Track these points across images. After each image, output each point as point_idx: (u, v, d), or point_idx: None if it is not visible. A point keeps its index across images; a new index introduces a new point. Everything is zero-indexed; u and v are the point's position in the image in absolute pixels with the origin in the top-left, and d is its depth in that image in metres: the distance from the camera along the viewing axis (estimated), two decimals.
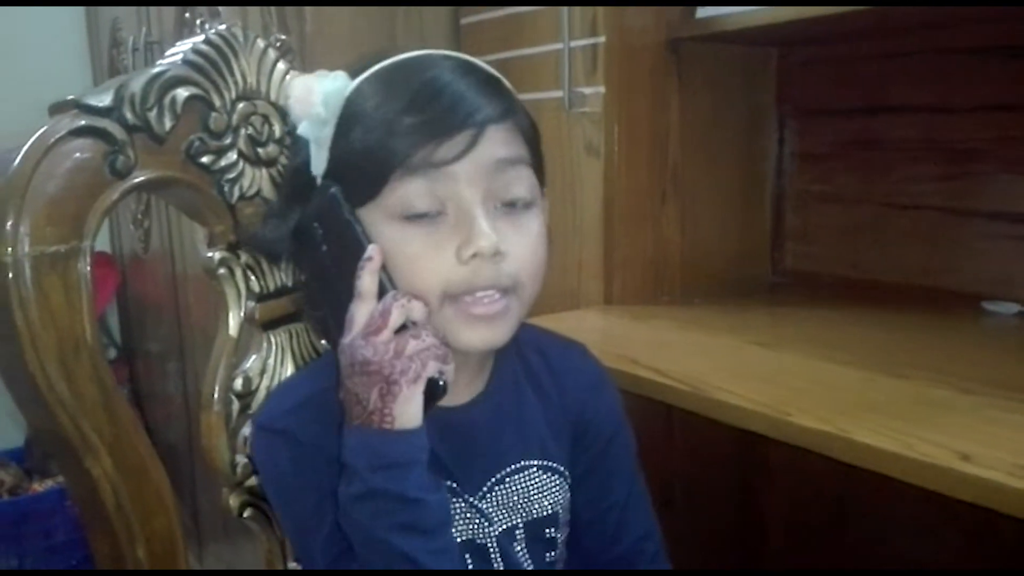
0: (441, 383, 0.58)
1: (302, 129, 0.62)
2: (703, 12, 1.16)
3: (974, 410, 0.75)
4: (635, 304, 1.20)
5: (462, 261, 0.57)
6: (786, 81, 1.38)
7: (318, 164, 0.62)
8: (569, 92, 1.16)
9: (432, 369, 0.56)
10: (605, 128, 1.15)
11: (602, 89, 1.14)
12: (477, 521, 0.66)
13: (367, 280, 0.58)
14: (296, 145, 0.65)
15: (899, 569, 1.22)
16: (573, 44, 1.15)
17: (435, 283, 0.58)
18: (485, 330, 0.60)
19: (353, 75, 0.62)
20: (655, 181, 1.22)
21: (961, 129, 1.18)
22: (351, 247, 0.58)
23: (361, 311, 0.58)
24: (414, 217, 0.58)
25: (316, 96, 0.60)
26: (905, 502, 1.13)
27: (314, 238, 0.61)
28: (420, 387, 0.56)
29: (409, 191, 0.57)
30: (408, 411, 0.56)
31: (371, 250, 0.58)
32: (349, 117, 0.60)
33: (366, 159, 0.58)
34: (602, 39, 1.13)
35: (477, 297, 0.59)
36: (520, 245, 0.60)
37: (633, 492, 0.73)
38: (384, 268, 0.58)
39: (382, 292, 0.58)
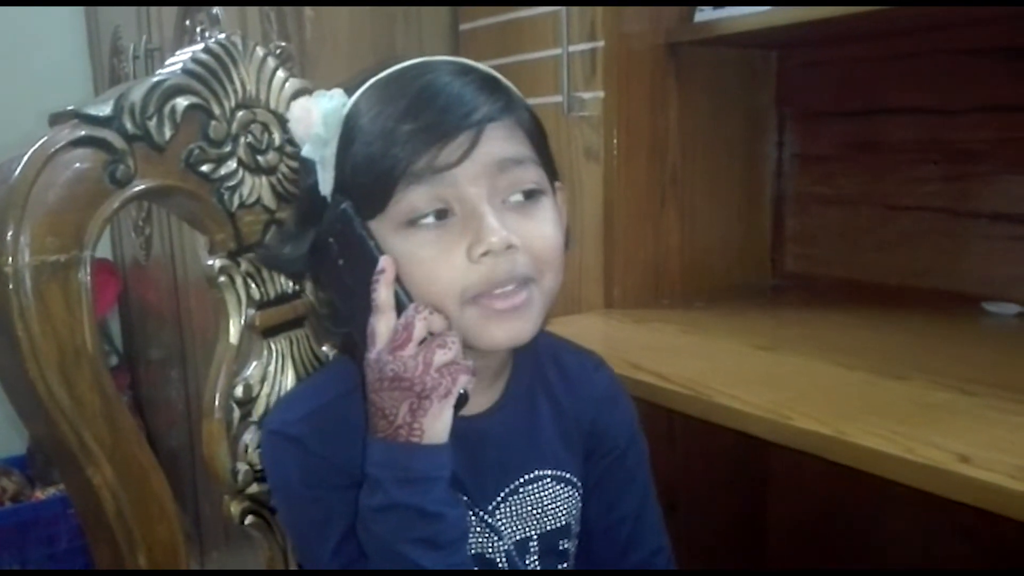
0: (462, 392, 0.57)
1: (306, 151, 0.62)
2: (701, 15, 1.16)
3: (974, 412, 0.75)
4: (635, 308, 1.20)
5: (474, 260, 0.56)
6: (786, 83, 1.38)
7: (325, 184, 0.61)
8: (568, 97, 1.16)
9: (462, 383, 0.56)
10: (604, 132, 1.15)
11: (601, 93, 1.14)
12: (486, 535, 0.66)
13: (383, 293, 0.57)
14: (304, 167, 0.64)
15: (900, 569, 1.22)
16: (572, 49, 1.16)
17: (450, 286, 0.57)
18: (510, 324, 0.59)
19: (349, 92, 0.61)
20: (655, 185, 1.23)
21: (961, 130, 1.18)
22: (365, 261, 0.58)
23: (381, 324, 0.57)
24: (422, 223, 0.58)
25: (315, 116, 0.60)
26: (906, 505, 1.13)
27: (330, 254, 0.60)
28: (450, 402, 0.56)
29: (415, 199, 0.57)
30: (437, 426, 0.56)
31: (383, 262, 0.57)
32: (349, 133, 0.59)
33: (370, 172, 0.57)
34: (601, 44, 1.13)
35: (496, 294, 0.58)
36: (534, 234, 0.59)
37: (645, 506, 0.72)
38: (398, 280, 0.58)
39: (398, 304, 0.57)
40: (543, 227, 0.60)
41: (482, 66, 0.63)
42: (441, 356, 0.55)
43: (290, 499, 0.64)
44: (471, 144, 0.56)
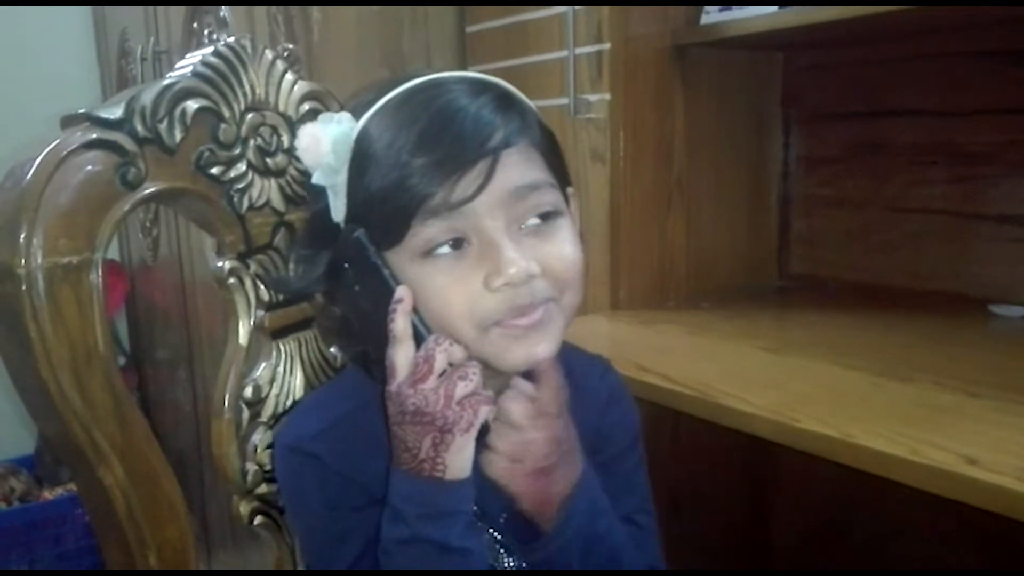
0: (483, 422, 0.57)
1: (316, 178, 0.60)
2: (707, 18, 1.16)
3: (981, 414, 0.75)
4: (642, 309, 1.20)
5: (491, 290, 0.56)
6: (792, 85, 1.38)
7: (337, 210, 0.60)
8: (574, 99, 1.17)
9: (484, 415, 0.56)
10: (610, 134, 1.15)
11: (607, 96, 1.15)
12: (496, 552, 0.65)
13: (400, 323, 0.56)
14: (313, 193, 0.63)
15: (904, 571, 1.22)
16: (578, 51, 1.16)
17: (465, 312, 0.56)
18: (531, 345, 0.58)
19: (357, 113, 0.60)
20: (661, 187, 1.23)
21: (967, 133, 1.18)
22: (381, 290, 0.58)
23: (400, 356, 0.56)
24: (438, 253, 0.57)
25: (324, 145, 0.58)
26: (912, 507, 1.13)
27: (347, 279, 0.60)
28: (473, 435, 0.56)
29: (431, 231, 0.56)
30: (460, 460, 0.56)
31: (400, 292, 0.57)
32: (360, 160, 0.58)
33: (384, 206, 0.56)
34: (607, 46, 1.13)
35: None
36: (552, 256, 0.58)
37: (641, 513, 0.71)
38: (416, 311, 0.57)
39: (416, 334, 0.57)
40: (561, 248, 0.59)
41: (496, 80, 0.61)
42: (462, 388, 0.55)
43: (307, 516, 0.63)
44: (487, 175, 0.55)
